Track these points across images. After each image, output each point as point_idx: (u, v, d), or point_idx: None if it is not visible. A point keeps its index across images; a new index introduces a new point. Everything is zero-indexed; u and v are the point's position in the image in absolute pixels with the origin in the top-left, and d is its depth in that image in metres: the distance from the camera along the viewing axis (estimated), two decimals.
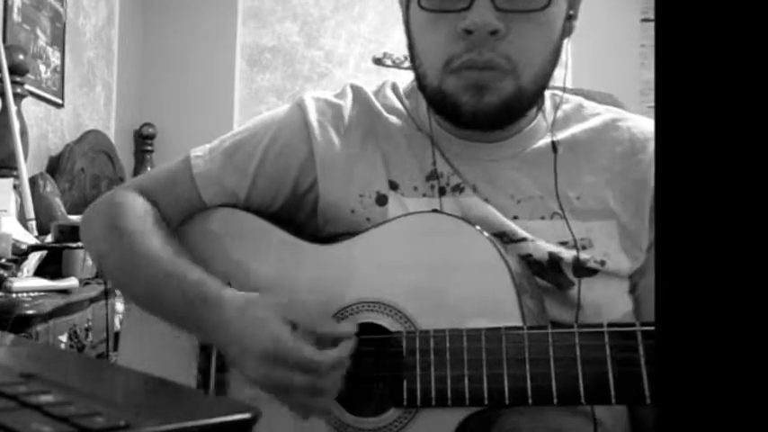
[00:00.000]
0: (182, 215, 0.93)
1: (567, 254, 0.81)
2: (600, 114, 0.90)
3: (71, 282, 1.65)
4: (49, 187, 2.34)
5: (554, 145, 0.86)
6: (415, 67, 0.85)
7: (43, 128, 2.61)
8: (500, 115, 0.81)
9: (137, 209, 0.90)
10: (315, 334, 0.74)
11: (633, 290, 0.86)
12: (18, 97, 2.14)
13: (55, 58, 2.68)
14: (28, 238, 1.79)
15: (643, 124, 0.89)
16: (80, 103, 2.95)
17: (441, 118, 0.86)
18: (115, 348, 0.91)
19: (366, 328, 0.78)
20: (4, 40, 2.23)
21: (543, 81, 0.82)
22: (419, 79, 0.84)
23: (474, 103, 0.79)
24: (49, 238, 1.83)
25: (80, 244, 1.64)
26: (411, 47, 0.85)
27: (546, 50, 0.80)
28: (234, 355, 0.76)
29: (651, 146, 0.86)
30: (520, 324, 0.72)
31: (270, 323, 0.73)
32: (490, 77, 0.78)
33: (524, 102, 0.82)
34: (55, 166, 2.62)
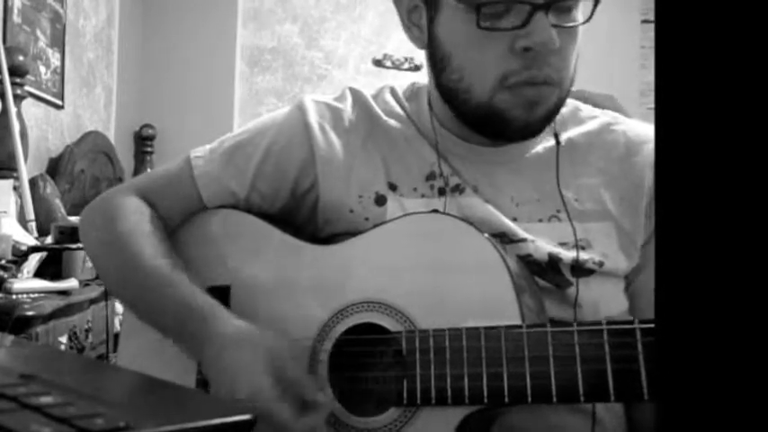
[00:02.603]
0: (181, 215, 0.93)
1: (566, 254, 0.82)
2: (596, 118, 0.92)
3: (71, 283, 1.65)
4: (49, 188, 2.34)
5: (556, 146, 0.87)
6: (450, 80, 0.83)
7: (43, 129, 2.61)
8: (542, 126, 0.83)
9: (134, 213, 0.89)
10: (297, 394, 0.72)
11: (628, 287, 0.87)
12: (18, 98, 2.14)
13: (55, 60, 2.68)
14: (28, 239, 1.79)
15: (638, 128, 0.91)
16: (80, 104, 2.96)
17: (477, 131, 0.85)
18: (115, 349, 0.90)
19: (366, 328, 0.78)
20: (4, 42, 2.23)
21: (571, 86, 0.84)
22: (456, 93, 0.83)
23: (525, 117, 0.80)
24: (48, 240, 1.83)
25: (80, 245, 1.64)
26: (445, 61, 0.82)
27: (577, 58, 0.82)
28: (214, 386, 0.76)
29: (646, 148, 0.87)
30: (519, 323, 0.72)
31: (254, 371, 0.72)
32: (546, 92, 0.80)
33: (560, 109, 0.84)
34: (55, 168, 2.62)
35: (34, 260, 1.65)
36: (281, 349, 0.75)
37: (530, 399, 0.69)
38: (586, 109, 0.93)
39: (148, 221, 0.89)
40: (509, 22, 0.76)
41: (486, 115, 0.81)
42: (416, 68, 3.45)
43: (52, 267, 1.68)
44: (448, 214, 0.81)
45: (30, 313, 1.43)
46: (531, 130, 0.83)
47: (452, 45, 0.81)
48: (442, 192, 0.86)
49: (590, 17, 0.79)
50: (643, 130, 0.90)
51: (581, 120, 0.91)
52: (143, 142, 3.50)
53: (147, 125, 3.49)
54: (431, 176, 0.87)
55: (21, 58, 2.13)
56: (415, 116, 0.92)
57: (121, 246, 0.87)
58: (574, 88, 0.84)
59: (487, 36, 0.77)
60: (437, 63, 0.84)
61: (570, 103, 0.93)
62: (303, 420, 0.71)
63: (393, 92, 0.95)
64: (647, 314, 0.82)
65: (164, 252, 0.85)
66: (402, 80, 0.98)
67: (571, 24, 0.78)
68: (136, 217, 0.89)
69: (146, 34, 3.58)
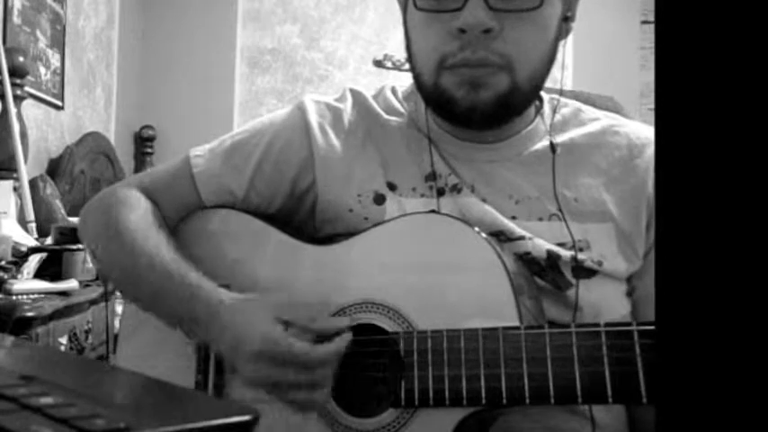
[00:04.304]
0: (180, 214, 0.93)
1: (566, 253, 0.82)
2: (598, 119, 0.91)
3: (71, 284, 1.65)
4: (49, 189, 2.34)
5: (552, 146, 0.87)
6: (412, 66, 0.86)
7: (43, 130, 2.61)
8: (495, 112, 0.82)
9: (137, 206, 0.90)
10: (309, 331, 0.74)
11: (631, 293, 0.86)
12: (18, 99, 2.14)
13: (55, 60, 2.68)
14: (28, 240, 1.79)
15: (641, 130, 0.90)
16: (80, 105, 2.95)
17: (438, 116, 0.87)
18: (115, 350, 0.91)
19: (364, 329, 0.78)
20: (4, 42, 2.23)
21: (539, 80, 0.83)
22: (416, 78, 0.85)
23: (470, 98, 0.80)
24: (48, 241, 1.83)
25: (80, 246, 1.64)
26: (408, 46, 0.86)
27: (541, 50, 0.81)
28: (228, 355, 0.77)
29: (648, 151, 0.87)
30: (517, 324, 0.72)
31: (262, 322, 0.74)
32: (484, 73, 0.79)
33: (519, 99, 0.83)
34: (55, 169, 2.62)
35: (34, 261, 1.65)
36: (288, 302, 0.78)
37: (528, 400, 0.69)
38: (589, 111, 0.93)
39: (153, 215, 0.90)
40: (447, 4, 0.78)
41: (437, 97, 0.83)
42: None
43: (52, 268, 1.68)
44: (446, 214, 0.81)
45: (30, 314, 1.43)
46: (482, 115, 0.81)
47: (411, 32, 0.85)
48: (441, 192, 0.86)
49: (540, 4, 0.78)
50: (646, 132, 0.89)
51: (582, 121, 0.91)
52: (143, 143, 3.50)
53: (147, 126, 3.48)
54: (430, 177, 0.87)
55: (21, 58, 2.13)
56: (414, 115, 0.92)
57: (124, 237, 0.87)
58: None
59: (432, 18, 0.80)
60: (409, 54, 0.86)
61: (572, 104, 0.93)
62: (317, 347, 0.73)
63: (394, 90, 0.96)
64: (650, 320, 0.81)
65: (169, 243, 0.86)
66: (403, 80, 0.98)
67: (514, 9, 0.78)
68: (138, 209, 0.90)
69: (146, 35, 3.58)
